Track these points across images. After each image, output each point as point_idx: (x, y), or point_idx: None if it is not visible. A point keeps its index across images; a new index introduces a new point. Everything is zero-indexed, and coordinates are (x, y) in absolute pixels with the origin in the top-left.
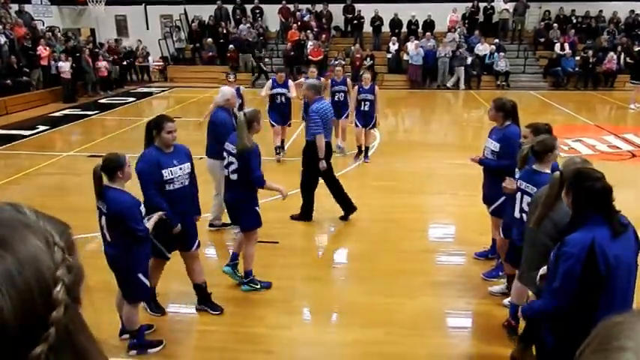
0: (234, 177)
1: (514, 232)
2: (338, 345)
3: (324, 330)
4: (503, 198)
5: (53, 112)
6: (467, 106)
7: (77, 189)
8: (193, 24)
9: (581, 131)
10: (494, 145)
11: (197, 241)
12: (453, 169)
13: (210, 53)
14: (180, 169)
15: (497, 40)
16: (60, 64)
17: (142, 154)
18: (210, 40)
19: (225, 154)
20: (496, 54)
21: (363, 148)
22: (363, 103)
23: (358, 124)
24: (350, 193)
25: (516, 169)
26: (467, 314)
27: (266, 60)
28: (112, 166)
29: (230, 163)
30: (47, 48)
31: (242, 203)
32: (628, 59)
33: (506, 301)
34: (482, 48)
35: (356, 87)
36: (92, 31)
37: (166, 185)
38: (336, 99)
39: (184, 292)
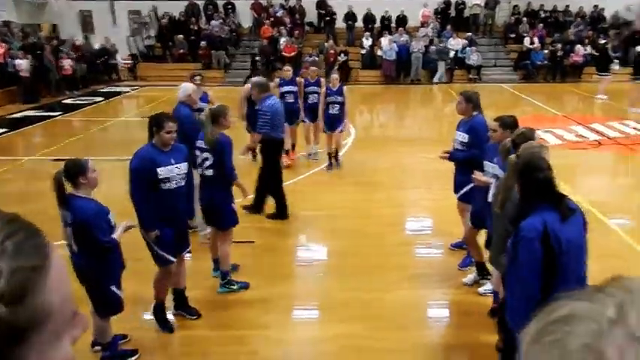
0: (209, 172)
1: (488, 221)
2: (319, 341)
3: (305, 327)
4: (471, 184)
5: (12, 114)
6: (441, 101)
7: (41, 195)
8: (163, 20)
9: (550, 122)
10: (463, 137)
11: (189, 245)
12: (428, 163)
13: (182, 50)
14: (177, 168)
15: (469, 34)
16: (17, 61)
17: (137, 151)
18: (181, 36)
19: (197, 151)
20: (468, 48)
21: (333, 154)
22: (331, 105)
23: (326, 129)
24: (326, 189)
25: (485, 162)
26: (445, 304)
27: (237, 56)
28: (74, 171)
29: (205, 160)
30: (3, 44)
31: (219, 201)
32: (594, 52)
33: (481, 289)
34: (455, 43)
35: (324, 88)
36: (54, 27)
37: (161, 184)
38: (310, 101)
39: None
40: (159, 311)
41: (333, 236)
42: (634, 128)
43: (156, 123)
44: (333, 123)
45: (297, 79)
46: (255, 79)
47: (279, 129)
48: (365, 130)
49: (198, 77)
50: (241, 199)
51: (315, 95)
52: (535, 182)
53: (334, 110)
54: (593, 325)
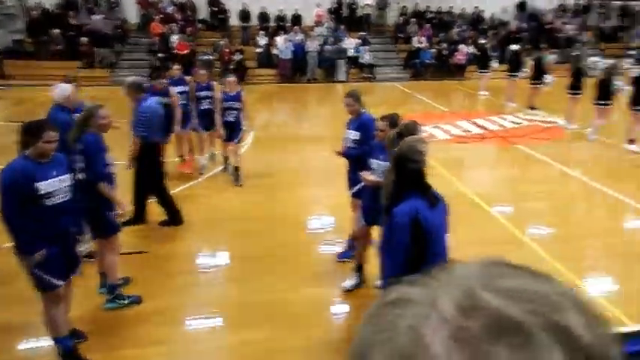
0: (82, 176)
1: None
2: (224, 349)
3: (209, 337)
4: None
5: None
6: (338, 99)
7: None
8: (34, 12)
9: (438, 118)
10: (355, 134)
11: (80, 263)
12: (328, 161)
13: (59, 47)
14: (60, 180)
15: (362, 34)
16: None
17: (9, 163)
18: (57, 31)
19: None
20: (361, 47)
21: (233, 165)
22: (227, 112)
23: (223, 138)
24: (224, 191)
25: (371, 160)
26: (347, 300)
27: (124, 54)
28: None
29: (78, 163)
30: None
31: (97, 206)
32: (476, 51)
33: (379, 282)
34: (349, 42)
35: (219, 93)
36: None
37: (44, 200)
38: (202, 107)
39: (32, 324)
40: (69, 356)
41: (234, 239)
42: (511, 122)
43: (32, 131)
44: (231, 132)
45: (188, 78)
46: (130, 78)
47: (157, 132)
48: (264, 130)
49: (69, 80)
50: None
51: (208, 100)
52: (408, 172)
53: (231, 117)
54: (419, 308)
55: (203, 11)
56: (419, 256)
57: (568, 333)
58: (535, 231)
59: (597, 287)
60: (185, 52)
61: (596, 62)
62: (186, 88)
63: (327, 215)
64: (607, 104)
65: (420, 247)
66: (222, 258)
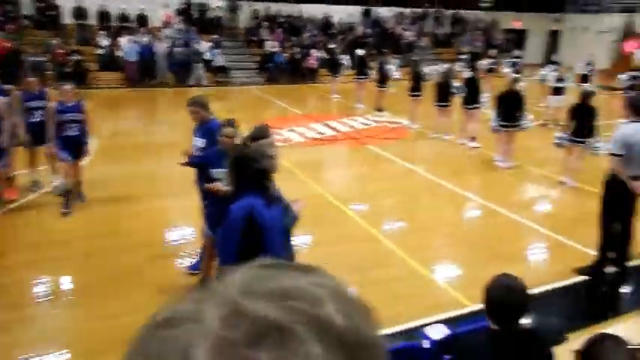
0: None
1: None
2: None
3: None
4: None
5: None
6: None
7: None
8: None
9: (292, 121)
10: (202, 142)
11: None
12: (181, 169)
13: None
14: None
15: (215, 37)
16: None
17: None
18: None
19: None
20: (215, 50)
21: (73, 181)
22: (67, 126)
23: (63, 155)
24: (59, 211)
25: (214, 170)
26: None
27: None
28: None
29: None
30: None
31: None
32: (326, 55)
33: None
34: (204, 45)
35: (53, 103)
36: None
37: None
38: (33, 119)
39: None
40: None
41: (77, 262)
42: (361, 123)
43: None
44: (74, 149)
45: (7, 87)
46: None
47: None
48: (109, 138)
49: None
50: None
51: (40, 112)
52: (249, 172)
53: (72, 131)
54: (187, 325)
55: (28, 6)
56: (253, 255)
57: (325, 324)
58: (388, 226)
59: (443, 274)
60: (5, 48)
61: (434, 68)
62: (7, 100)
63: (184, 227)
64: (446, 105)
65: (253, 244)
66: (62, 284)
